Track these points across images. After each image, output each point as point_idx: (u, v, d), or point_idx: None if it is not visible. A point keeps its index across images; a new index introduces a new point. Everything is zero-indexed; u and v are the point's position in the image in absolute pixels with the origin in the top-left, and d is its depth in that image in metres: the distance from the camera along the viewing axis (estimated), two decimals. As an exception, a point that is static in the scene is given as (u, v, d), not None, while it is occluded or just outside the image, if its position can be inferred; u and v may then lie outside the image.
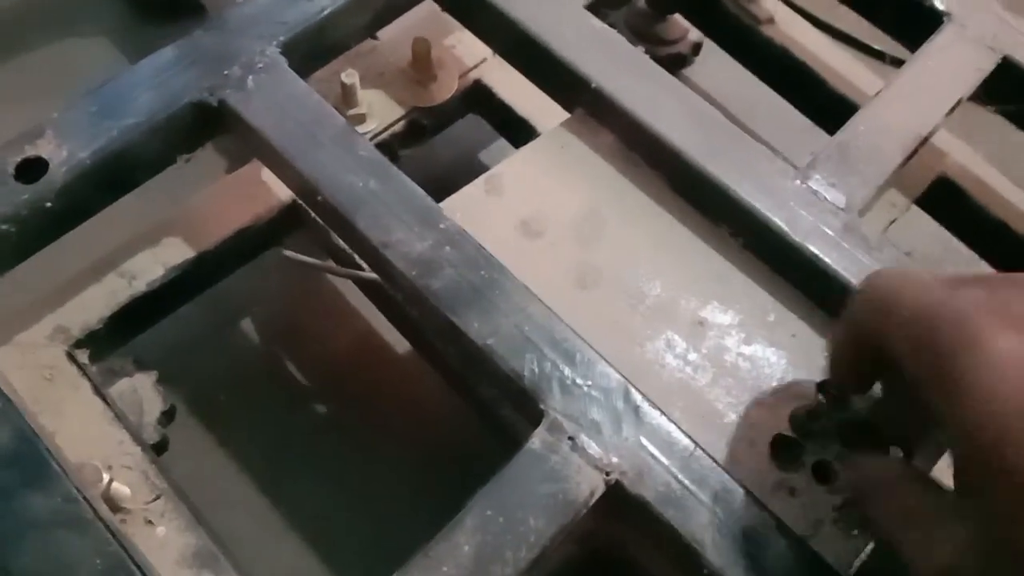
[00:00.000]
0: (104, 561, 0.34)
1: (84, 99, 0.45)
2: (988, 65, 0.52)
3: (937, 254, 0.69)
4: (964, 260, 0.67)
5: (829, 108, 0.63)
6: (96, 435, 0.45)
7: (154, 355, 0.56)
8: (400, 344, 0.61)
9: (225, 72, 0.46)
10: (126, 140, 0.44)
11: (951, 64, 0.52)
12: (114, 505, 0.42)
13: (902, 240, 0.70)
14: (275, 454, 0.57)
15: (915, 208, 0.63)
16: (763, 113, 0.70)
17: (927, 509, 0.33)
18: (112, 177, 0.44)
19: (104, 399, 0.46)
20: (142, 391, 0.54)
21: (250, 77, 0.46)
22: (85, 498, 0.36)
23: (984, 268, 0.66)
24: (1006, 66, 0.52)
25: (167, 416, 0.55)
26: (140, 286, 0.50)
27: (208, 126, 0.47)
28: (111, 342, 0.50)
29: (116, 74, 0.46)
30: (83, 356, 0.49)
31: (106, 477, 0.41)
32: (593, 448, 0.39)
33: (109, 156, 0.44)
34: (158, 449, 0.52)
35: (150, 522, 0.44)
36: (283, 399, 0.60)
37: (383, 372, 0.61)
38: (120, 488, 0.43)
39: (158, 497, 0.44)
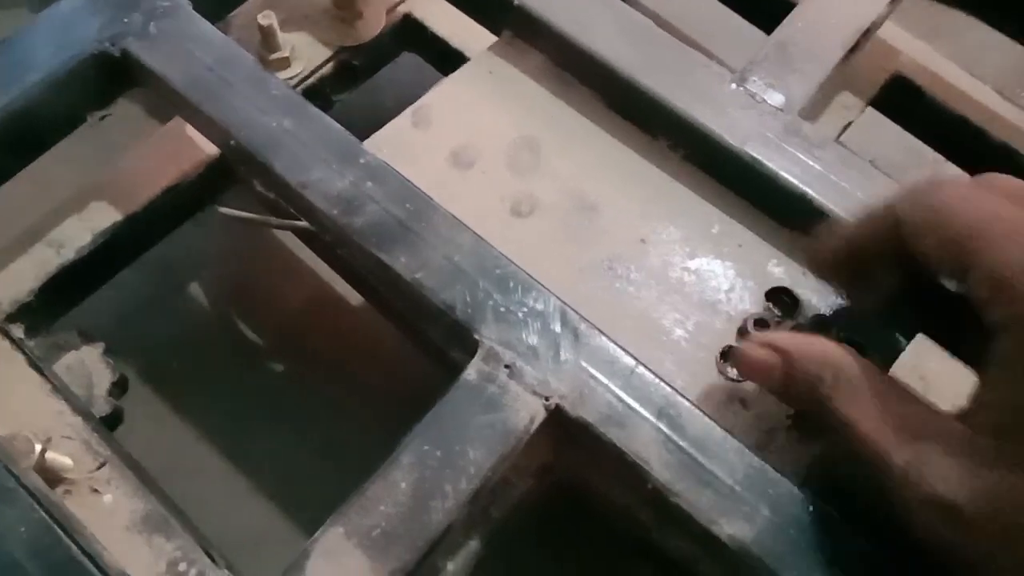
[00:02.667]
0: (30, 529, 0.34)
1: (-21, 60, 0.43)
2: (932, -51, 0.50)
3: (900, 158, 0.67)
4: (929, 162, 0.65)
5: (770, 9, 0.60)
6: (33, 408, 0.44)
7: (101, 326, 0.54)
8: (354, 294, 0.59)
9: (125, 20, 0.44)
10: (28, 98, 0.42)
11: (892, -50, 0.49)
12: (55, 476, 0.41)
13: (862, 146, 0.68)
14: (234, 416, 0.56)
15: (874, 112, 0.61)
16: (708, 24, 0.68)
17: (922, 427, 0.30)
18: (17, 139, 0.43)
19: (41, 372, 0.45)
20: (90, 363, 0.53)
21: (152, 23, 0.44)
22: (8, 468, 0.35)
23: (950, 169, 0.64)
24: (951, -51, 0.50)
25: (118, 387, 0.54)
26: (69, 254, 0.49)
27: (115, 79, 0.45)
28: (47, 314, 0.49)
29: (14, 30, 0.44)
30: (18, 331, 0.47)
31: (38, 447, 0.40)
32: (531, 374, 0.37)
33: (12, 116, 0.42)
34: (112, 421, 0.51)
35: (96, 490, 0.43)
36: (238, 360, 0.59)
37: (339, 324, 0.60)
38: (59, 459, 0.42)
39: (103, 465, 0.43)
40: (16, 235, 0.49)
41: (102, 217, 0.50)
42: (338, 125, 0.42)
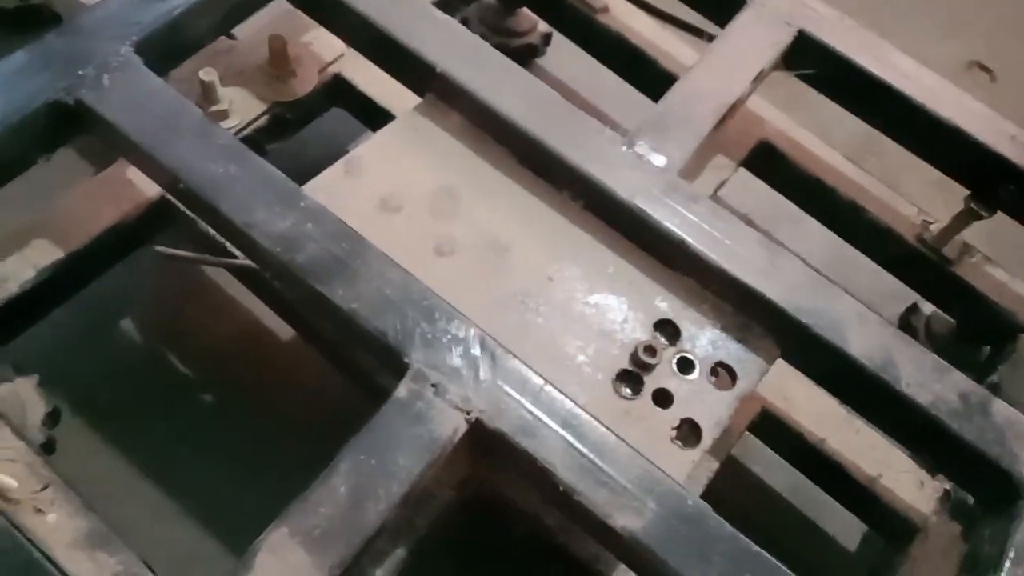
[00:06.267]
0: (-8, 537, 0.36)
1: (-64, 106, 0.46)
2: (786, 38, 0.59)
3: (770, 212, 0.77)
4: (793, 216, 0.74)
5: (660, 84, 0.69)
6: (-25, 432, 0.46)
7: (34, 359, 0.56)
8: (282, 330, 0.63)
9: (80, 72, 0.48)
10: (-16, 142, 0.45)
11: (754, 38, 0.59)
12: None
13: (735, 201, 0.77)
14: (163, 445, 0.59)
15: (744, 172, 0.71)
16: (607, 93, 0.76)
17: None
18: (-29, 180, 0.45)
19: (-20, 399, 0.47)
20: (24, 394, 0.55)
21: (105, 76, 0.48)
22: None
23: (810, 225, 0.74)
24: (802, 38, 0.60)
25: (52, 418, 0.56)
26: (12, 288, 0.51)
27: (65, 126, 0.48)
28: (-14, 345, 0.51)
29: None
30: (-42, 362, 0.49)
31: (-14, 466, 0.42)
32: (454, 392, 0.43)
33: (-32, 159, 0.45)
34: (46, 450, 0.53)
35: (40, 510, 0.45)
36: (168, 392, 0.61)
37: (267, 357, 0.64)
38: (4, 479, 0.44)
39: (46, 486, 0.46)
40: (-44, 270, 0.52)
41: (45, 253, 0.53)
42: (279, 172, 0.47)
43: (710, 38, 0.79)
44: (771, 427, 0.57)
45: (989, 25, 0.99)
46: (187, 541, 0.56)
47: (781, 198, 0.74)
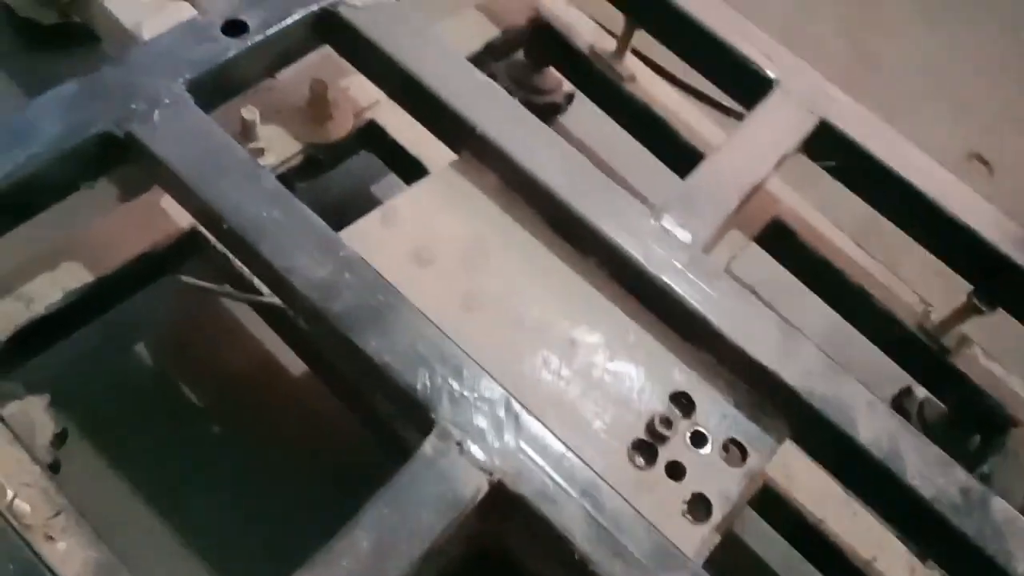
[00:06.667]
0: (17, 567, 0.36)
1: (-10, 128, 0.46)
2: (808, 126, 0.62)
3: (775, 287, 0.79)
4: (794, 290, 0.76)
5: (680, 155, 0.72)
6: (-5, 455, 0.46)
7: (44, 378, 0.56)
8: (294, 366, 0.64)
9: (132, 106, 0.49)
10: (33, 168, 0.46)
11: (778, 124, 0.61)
12: (15, 521, 0.43)
13: (745, 274, 0.79)
14: (170, 474, 0.59)
15: (755, 246, 0.73)
16: (625, 156, 0.79)
17: None
18: (17, 203, 0.46)
19: (3, 420, 0.47)
20: (34, 414, 0.55)
21: (156, 111, 0.49)
22: (-4, 510, 0.38)
23: (812, 300, 0.76)
24: (823, 127, 0.62)
25: (59, 438, 0.56)
26: (39, 309, 0.51)
27: (112, 156, 0.49)
28: (8, 365, 0.51)
29: (22, 105, 0.48)
30: (-24, 379, 0.49)
31: (10, 493, 0.42)
32: (478, 452, 0.44)
33: (16, 183, 0.45)
34: (52, 470, 0.53)
35: (51, 537, 0.45)
36: (178, 421, 0.61)
37: (277, 392, 0.64)
38: (20, 504, 0.44)
39: (59, 513, 0.46)
40: (-18, 287, 0.52)
41: (73, 277, 0.53)
42: (319, 219, 0.48)
43: (735, 114, 0.83)
44: (771, 503, 0.58)
45: (994, 112, 1.03)
46: (187, 574, 0.56)
47: (785, 274, 0.76)
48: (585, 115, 0.85)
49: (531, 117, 0.56)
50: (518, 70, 0.81)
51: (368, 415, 0.56)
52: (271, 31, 0.53)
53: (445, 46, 0.57)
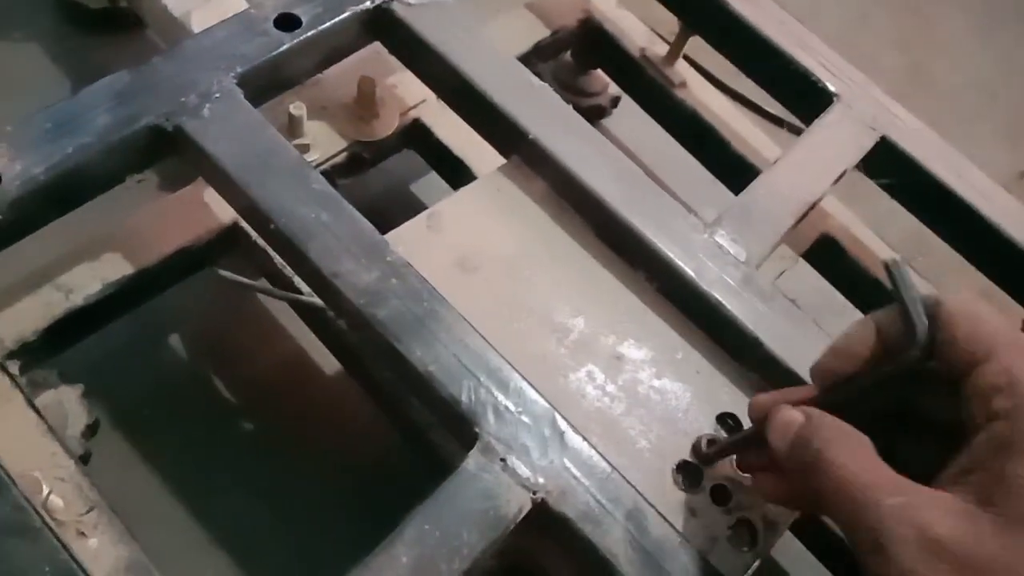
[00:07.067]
0: (53, 568, 0.36)
1: (39, 116, 0.45)
2: (869, 143, 0.60)
3: (817, 303, 0.77)
4: (839, 309, 0.75)
5: (730, 166, 0.70)
6: (30, 447, 0.45)
7: (78, 368, 0.56)
8: (328, 366, 0.63)
9: (182, 99, 0.48)
10: (81, 158, 0.45)
11: (838, 139, 0.59)
12: (49, 519, 0.43)
13: (789, 289, 0.78)
14: (200, 470, 0.58)
15: (801, 260, 0.71)
16: (672, 165, 0.77)
17: (903, 482, 0.33)
18: (64, 193, 0.45)
19: (38, 412, 0.46)
20: (68, 404, 0.54)
21: (207, 105, 0.48)
22: (33, 507, 0.37)
23: (855, 316, 0.75)
24: (884, 144, 0.60)
25: (91, 429, 0.55)
26: (77, 300, 0.51)
27: (160, 149, 0.48)
28: (44, 354, 0.51)
29: (66, 90, 0.47)
30: (14, 367, 0.49)
31: (46, 489, 0.42)
32: (522, 469, 0.42)
33: (63, 173, 0.45)
34: (82, 461, 0.52)
35: (82, 534, 0.44)
36: (210, 416, 0.61)
37: (310, 392, 0.63)
38: (55, 500, 0.43)
39: (91, 509, 0.45)
40: (24, 276, 0.51)
41: (113, 268, 0.53)
42: (368, 223, 0.47)
43: (789, 128, 0.81)
44: (803, 520, 0.57)
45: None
46: (216, 572, 0.55)
47: (829, 289, 0.75)
48: (630, 120, 0.83)
49: (584, 124, 0.55)
50: (565, 71, 0.80)
51: (404, 422, 0.55)
52: (324, 26, 0.52)
53: (498, 48, 0.56)
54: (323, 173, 0.60)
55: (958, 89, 1.01)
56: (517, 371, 0.45)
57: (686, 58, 0.74)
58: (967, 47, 1.05)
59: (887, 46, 1.02)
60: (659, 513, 0.43)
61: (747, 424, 0.49)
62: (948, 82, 1.01)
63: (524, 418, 0.44)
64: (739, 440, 0.46)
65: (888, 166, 0.60)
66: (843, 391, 0.38)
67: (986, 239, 0.60)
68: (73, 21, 0.73)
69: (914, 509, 0.32)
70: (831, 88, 0.61)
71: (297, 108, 0.56)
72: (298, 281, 0.56)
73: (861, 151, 0.59)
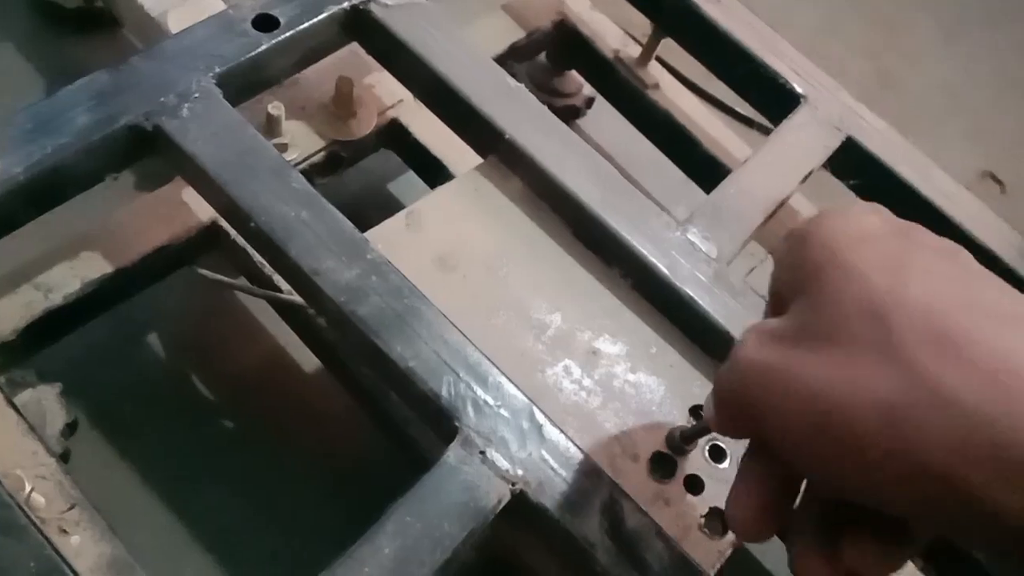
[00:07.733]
0: (39, 565, 0.36)
1: (18, 115, 0.46)
2: (835, 143, 0.62)
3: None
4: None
5: (701, 166, 0.72)
6: (10, 445, 0.45)
7: (56, 367, 0.56)
8: (308, 363, 0.64)
9: (161, 99, 0.48)
10: (60, 157, 0.45)
11: (805, 140, 0.61)
12: (33, 516, 0.43)
13: (759, 285, 0.79)
14: (180, 468, 0.58)
15: (770, 257, 0.73)
16: (645, 164, 0.78)
17: None
18: (43, 192, 0.45)
19: (18, 411, 0.47)
20: (46, 402, 0.55)
21: (186, 105, 0.48)
22: (18, 504, 0.37)
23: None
24: (850, 144, 0.62)
25: (70, 428, 0.55)
26: (56, 299, 0.51)
27: (139, 149, 0.49)
28: (23, 353, 0.51)
29: (41, 90, 0.47)
30: (-8, 367, 0.49)
31: (28, 486, 0.42)
32: (501, 461, 0.43)
33: (42, 172, 0.45)
34: (62, 460, 0.53)
35: (64, 531, 0.45)
36: (189, 414, 0.61)
37: (290, 389, 0.64)
38: (36, 497, 0.44)
39: (73, 507, 0.45)
40: (1, 275, 0.51)
41: (92, 267, 0.53)
42: (348, 221, 0.48)
43: (759, 128, 0.83)
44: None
45: (1010, 133, 1.03)
46: (194, 573, 0.55)
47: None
48: (604, 120, 0.85)
49: (560, 124, 0.56)
50: (539, 72, 0.81)
51: (384, 418, 0.56)
52: (302, 27, 0.53)
53: (475, 49, 0.57)
54: (302, 172, 0.60)
55: (923, 92, 1.04)
56: (496, 366, 0.46)
57: (659, 60, 0.75)
58: (933, 53, 1.08)
59: (855, 52, 1.04)
60: (634, 503, 0.45)
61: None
62: (914, 86, 1.04)
63: (503, 412, 0.45)
64: (704, 427, 0.47)
65: (854, 165, 0.62)
66: None
67: (948, 237, 0.62)
68: (48, 21, 0.73)
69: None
70: (799, 90, 0.62)
71: (275, 108, 0.56)
72: (278, 279, 0.57)
73: (827, 151, 0.61)
